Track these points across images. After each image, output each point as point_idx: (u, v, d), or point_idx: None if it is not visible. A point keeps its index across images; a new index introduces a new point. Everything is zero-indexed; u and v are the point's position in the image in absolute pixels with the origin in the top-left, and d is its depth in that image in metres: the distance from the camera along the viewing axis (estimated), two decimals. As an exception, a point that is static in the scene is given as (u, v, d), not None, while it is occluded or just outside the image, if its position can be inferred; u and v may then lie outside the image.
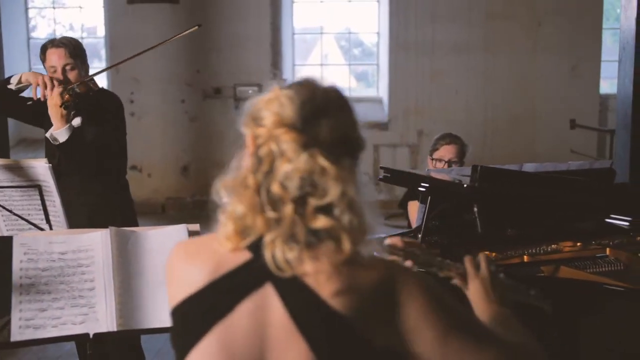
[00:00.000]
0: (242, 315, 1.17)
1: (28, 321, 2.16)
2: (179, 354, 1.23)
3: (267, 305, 1.17)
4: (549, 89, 8.35)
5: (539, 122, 8.41)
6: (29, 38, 9.31)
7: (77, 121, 3.16)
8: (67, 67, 3.18)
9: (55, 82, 3.08)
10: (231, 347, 1.17)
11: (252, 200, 1.18)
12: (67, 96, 3.02)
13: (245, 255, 1.20)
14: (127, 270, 2.25)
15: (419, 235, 2.82)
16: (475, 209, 2.93)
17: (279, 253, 1.15)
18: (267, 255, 1.16)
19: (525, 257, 2.92)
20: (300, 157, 1.17)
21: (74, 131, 3.06)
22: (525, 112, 8.37)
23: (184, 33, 3.50)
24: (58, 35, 8.63)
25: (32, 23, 9.54)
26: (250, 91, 8.11)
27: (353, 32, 9.22)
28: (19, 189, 2.72)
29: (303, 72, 9.33)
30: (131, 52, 3.48)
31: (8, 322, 2.15)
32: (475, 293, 1.46)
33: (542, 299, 1.53)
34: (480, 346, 1.23)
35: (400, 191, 5.90)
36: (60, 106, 3.01)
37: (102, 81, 8.05)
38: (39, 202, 2.71)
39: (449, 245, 3.01)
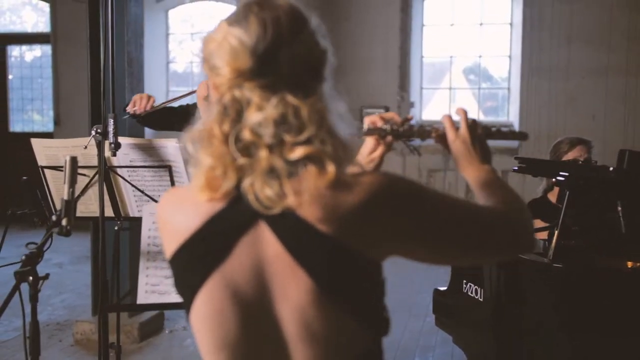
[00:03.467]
0: (240, 254, 1.14)
1: (154, 286, 2.19)
2: (186, 299, 1.21)
3: (262, 242, 1.14)
4: (698, 115, 7.76)
5: (686, 151, 7.82)
6: (168, 62, 9.83)
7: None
8: None
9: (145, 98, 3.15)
10: (234, 286, 1.15)
11: (220, 150, 1.13)
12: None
13: (228, 199, 1.16)
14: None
15: (555, 231, 2.62)
16: (620, 207, 2.69)
17: (260, 193, 1.11)
18: (250, 197, 1.12)
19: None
20: (270, 103, 1.12)
21: None
22: (670, 139, 7.82)
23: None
24: (195, 64, 9.10)
25: (171, 55, 10.06)
26: (376, 114, 8.09)
27: (483, 55, 9.01)
28: (150, 169, 2.79)
29: (431, 96, 9.22)
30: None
31: (135, 287, 2.18)
32: (457, 154, 1.43)
33: (518, 131, 1.52)
34: (480, 229, 1.24)
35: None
36: None
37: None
38: (169, 182, 2.77)
39: (587, 250, 2.78)
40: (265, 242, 1.13)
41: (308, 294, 1.12)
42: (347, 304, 1.14)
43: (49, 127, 10.16)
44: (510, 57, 8.74)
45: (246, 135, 1.12)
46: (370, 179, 1.14)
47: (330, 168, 1.11)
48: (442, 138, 1.45)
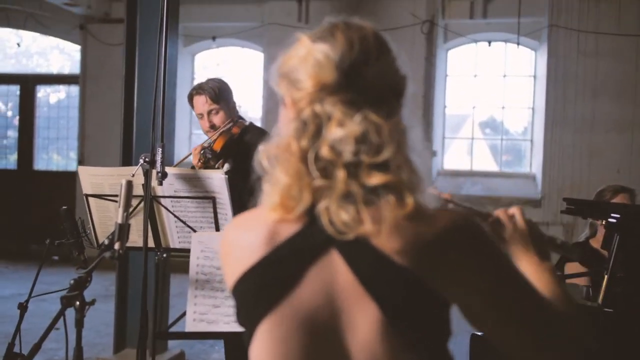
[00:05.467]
0: (310, 282, 1.11)
1: (202, 315, 2.15)
2: (249, 328, 1.16)
3: (332, 270, 1.10)
4: None
5: None
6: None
7: (226, 167, 3.28)
8: (212, 112, 3.30)
9: (194, 150, 3.21)
10: (302, 316, 1.11)
11: (298, 169, 1.10)
12: (199, 163, 3.15)
13: (300, 222, 1.12)
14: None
15: (605, 275, 2.56)
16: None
17: (335, 217, 1.08)
18: (324, 221, 1.09)
19: None
20: (354, 120, 1.09)
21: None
22: (696, 195, 7.75)
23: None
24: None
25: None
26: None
27: (506, 107, 9.05)
28: (194, 200, 2.77)
29: (449, 144, 9.24)
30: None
31: (183, 314, 2.15)
32: (515, 247, 1.38)
33: (571, 248, 1.50)
34: (535, 307, 1.18)
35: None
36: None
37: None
38: (212, 214, 2.74)
39: (634, 298, 2.72)
40: (337, 270, 1.10)
41: (376, 325, 1.08)
42: (414, 339, 1.10)
43: (71, 166, 10.22)
44: (533, 109, 8.77)
45: (324, 152, 1.09)
46: (449, 216, 1.13)
47: (409, 200, 1.09)
48: (497, 226, 1.41)
